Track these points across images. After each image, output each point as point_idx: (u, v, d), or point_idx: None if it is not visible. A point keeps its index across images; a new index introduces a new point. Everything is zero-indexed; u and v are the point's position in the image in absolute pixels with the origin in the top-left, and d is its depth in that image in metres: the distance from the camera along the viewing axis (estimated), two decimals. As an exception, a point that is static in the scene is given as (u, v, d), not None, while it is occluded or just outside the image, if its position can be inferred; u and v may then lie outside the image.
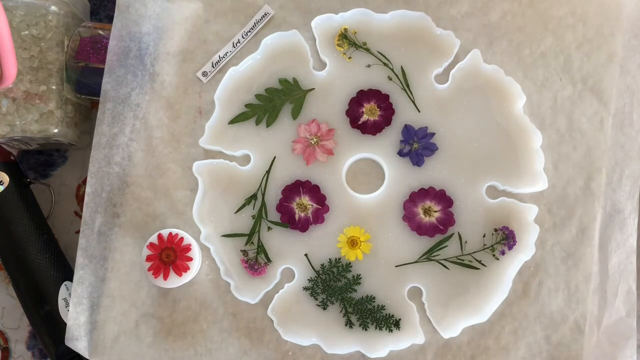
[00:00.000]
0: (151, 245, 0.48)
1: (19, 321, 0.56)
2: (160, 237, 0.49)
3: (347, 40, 0.51)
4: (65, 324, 0.50)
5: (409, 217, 0.50)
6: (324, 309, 0.50)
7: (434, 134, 0.51)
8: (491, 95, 0.51)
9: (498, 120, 0.51)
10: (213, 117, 0.51)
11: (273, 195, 0.51)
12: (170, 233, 0.49)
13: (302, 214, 0.50)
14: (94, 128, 0.51)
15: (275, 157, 0.51)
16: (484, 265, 0.49)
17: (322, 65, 0.52)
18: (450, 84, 0.51)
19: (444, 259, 0.50)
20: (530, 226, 0.50)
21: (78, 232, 0.51)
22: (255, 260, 0.50)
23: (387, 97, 0.51)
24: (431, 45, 0.51)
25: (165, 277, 0.48)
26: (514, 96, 0.51)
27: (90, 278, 0.50)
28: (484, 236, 0.50)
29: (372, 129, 0.51)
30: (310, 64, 0.52)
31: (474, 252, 0.50)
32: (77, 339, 0.50)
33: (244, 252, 0.50)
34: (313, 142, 0.51)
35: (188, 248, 0.48)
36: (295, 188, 0.50)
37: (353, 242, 0.50)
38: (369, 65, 0.51)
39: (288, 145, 0.51)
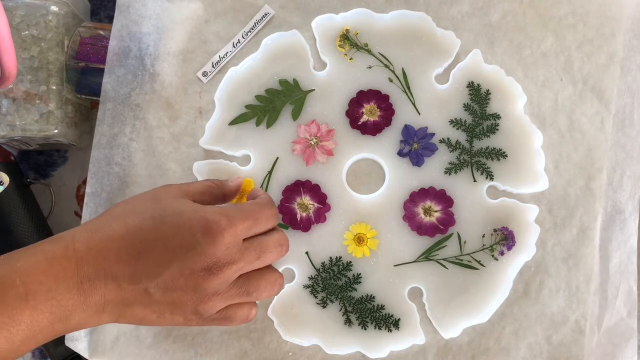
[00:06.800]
0: (151, 245, 0.48)
1: (19, 321, 0.56)
2: (160, 237, 0.48)
3: (348, 41, 0.51)
4: (65, 324, 0.50)
5: (409, 217, 0.50)
6: (324, 307, 0.49)
7: (434, 134, 0.51)
8: (492, 95, 0.51)
9: (498, 121, 0.51)
10: (213, 117, 0.51)
11: (274, 196, 0.50)
12: (170, 233, 0.48)
13: (304, 214, 0.50)
14: (94, 128, 0.51)
15: (277, 158, 0.51)
16: (483, 266, 0.49)
17: (322, 65, 0.52)
18: (451, 84, 0.51)
19: (443, 259, 0.49)
20: (530, 226, 0.49)
21: (78, 232, 0.51)
22: (256, 261, 0.50)
23: (387, 97, 0.51)
24: (432, 46, 0.51)
25: (165, 278, 0.48)
26: (514, 96, 0.51)
27: (90, 278, 0.50)
28: (483, 236, 0.50)
29: (372, 129, 0.51)
30: (310, 64, 0.52)
31: (473, 253, 0.49)
32: (77, 339, 0.50)
33: (244, 253, 0.50)
34: (313, 143, 0.51)
35: (188, 248, 0.48)
36: (296, 188, 0.50)
37: (360, 239, 0.50)
38: (369, 67, 0.51)
39: (288, 146, 0.51)
